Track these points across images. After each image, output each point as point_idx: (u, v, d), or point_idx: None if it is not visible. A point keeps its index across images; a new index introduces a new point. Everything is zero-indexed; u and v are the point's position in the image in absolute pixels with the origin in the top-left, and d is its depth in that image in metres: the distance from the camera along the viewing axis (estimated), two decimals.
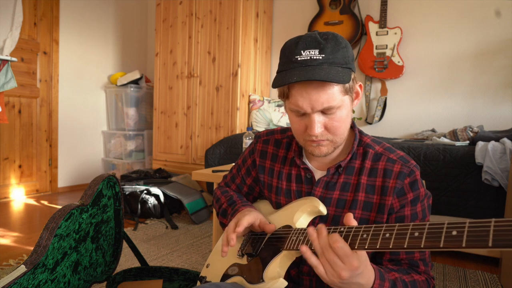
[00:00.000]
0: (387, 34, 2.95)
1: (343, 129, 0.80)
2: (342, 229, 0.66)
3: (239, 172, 1.05)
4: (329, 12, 3.13)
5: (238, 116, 3.12)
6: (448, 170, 2.01)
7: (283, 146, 0.96)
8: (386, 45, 2.95)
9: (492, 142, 2.00)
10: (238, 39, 3.10)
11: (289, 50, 0.77)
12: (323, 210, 0.81)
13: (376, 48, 2.98)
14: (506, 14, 2.63)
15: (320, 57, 0.74)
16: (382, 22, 2.96)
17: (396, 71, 2.94)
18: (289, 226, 0.83)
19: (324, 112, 0.76)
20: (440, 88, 2.89)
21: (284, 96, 0.80)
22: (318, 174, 0.88)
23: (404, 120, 3.03)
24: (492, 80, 2.70)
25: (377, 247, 0.58)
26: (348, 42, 0.80)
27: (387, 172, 0.82)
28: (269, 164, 0.97)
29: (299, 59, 0.75)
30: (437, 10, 2.87)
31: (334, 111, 0.76)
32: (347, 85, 0.76)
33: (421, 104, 2.96)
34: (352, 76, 0.78)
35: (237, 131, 3.12)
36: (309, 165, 0.90)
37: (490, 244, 0.46)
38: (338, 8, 3.10)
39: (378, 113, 3.06)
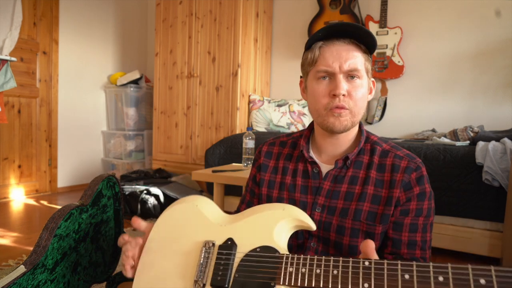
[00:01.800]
0: (387, 34, 2.95)
1: (362, 104, 0.83)
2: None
3: (247, 188, 1.05)
4: (329, 12, 3.13)
5: (238, 116, 3.12)
6: (448, 170, 2.01)
7: (288, 145, 0.98)
8: (386, 45, 2.95)
9: (493, 142, 1.99)
10: (238, 39, 3.09)
11: (322, 28, 0.82)
12: (313, 226, 0.70)
13: (376, 48, 2.98)
14: (506, 14, 2.63)
15: (351, 23, 0.81)
16: (382, 22, 2.96)
17: (396, 71, 2.93)
18: (270, 248, 0.67)
19: (349, 75, 0.81)
20: (440, 88, 2.89)
21: (312, 61, 0.84)
22: (325, 168, 0.89)
23: (404, 120, 3.02)
24: (492, 80, 2.70)
25: None
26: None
27: (395, 167, 0.84)
28: (274, 163, 0.97)
29: (330, 23, 0.82)
30: (437, 10, 2.87)
31: (357, 77, 0.81)
32: (368, 65, 0.83)
33: (421, 104, 2.96)
34: (370, 66, 0.85)
35: (237, 131, 3.12)
36: (316, 159, 0.91)
37: None
38: (338, 8, 3.09)
39: (378, 113, 3.05)
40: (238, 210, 1.06)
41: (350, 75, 0.81)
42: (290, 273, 0.63)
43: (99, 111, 3.96)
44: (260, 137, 2.52)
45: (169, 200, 2.78)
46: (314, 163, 0.89)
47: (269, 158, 0.98)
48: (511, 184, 1.72)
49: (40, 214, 2.83)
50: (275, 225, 0.69)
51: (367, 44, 0.83)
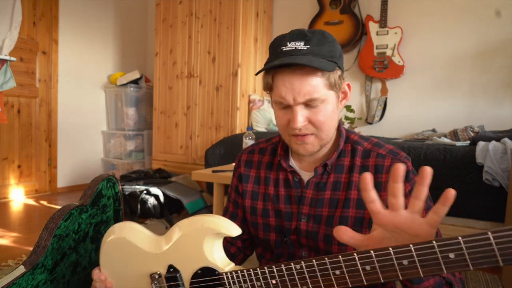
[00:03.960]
0: (388, 33, 2.95)
1: (329, 125, 0.78)
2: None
3: (230, 199, 0.99)
4: (329, 12, 3.13)
5: (238, 116, 3.12)
6: (448, 170, 2.00)
7: (268, 152, 0.93)
8: (387, 45, 2.94)
9: (493, 142, 1.99)
10: (238, 39, 3.09)
11: (276, 43, 0.77)
12: (235, 231, 0.69)
13: (376, 48, 2.98)
14: (506, 14, 2.63)
15: (305, 48, 0.73)
16: (383, 22, 2.96)
17: (397, 71, 2.93)
18: (209, 269, 0.70)
19: (307, 104, 0.74)
20: (441, 88, 2.88)
21: (268, 87, 0.78)
22: (306, 176, 0.86)
23: (404, 120, 3.02)
24: (492, 80, 2.70)
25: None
26: (335, 39, 0.78)
27: (378, 167, 0.80)
28: (255, 172, 0.93)
29: (284, 49, 0.74)
30: (437, 10, 2.87)
31: (317, 104, 0.74)
32: (332, 79, 0.75)
33: (422, 104, 2.96)
34: (339, 73, 0.77)
35: (237, 131, 3.12)
36: (296, 167, 0.87)
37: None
38: (338, 8, 3.09)
39: (379, 113, 3.05)
40: None
41: (308, 105, 0.74)
42: None
43: (99, 111, 3.96)
44: (260, 137, 2.51)
45: (169, 200, 2.78)
46: (294, 172, 0.86)
47: (250, 168, 0.94)
48: None
49: (39, 214, 2.83)
50: (202, 243, 0.69)
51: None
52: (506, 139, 2.00)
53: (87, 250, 1.03)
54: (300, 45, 0.73)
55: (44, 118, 3.45)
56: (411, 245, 0.50)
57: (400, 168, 0.55)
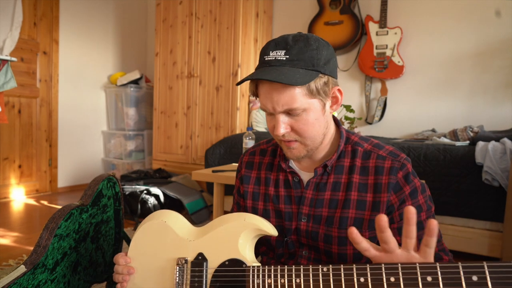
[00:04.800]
0: (387, 34, 2.95)
1: (312, 133, 0.78)
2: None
3: (234, 200, 1.01)
4: (329, 12, 3.13)
5: (238, 116, 3.12)
6: (448, 170, 2.01)
7: (268, 153, 0.95)
8: (386, 45, 2.95)
9: (493, 142, 1.99)
10: (238, 39, 3.09)
11: (262, 51, 0.78)
12: (274, 232, 0.73)
13: (376, 48, 2.98)
14: (506, 14, 2.63)
15: (284, 58, 0.74)
16: (382, 22, 2.96)
17: (396, 71, 2.94)
18: (237, 261, 0.72)
19: (288, 113, 0.76)
20: (440, 88, 2.89)
21: (254, 94, 0.81)
22: (306, 176, 0.87)
23: (404, 120, 3.02)
24: (492, 80, 2.70)
25: None
26: (326, 44, 0.77)
27: (379, 169, 0.81)
28: (256, 174, 0.94)
29: (266, 59, 0.76)
30: (437, 10, 2.87)
31: (298, 113, 0.75)
32: (313, 88, 0.74)
33: (421, 104, 2.96)
34: (324, 79, 0.75)
35: (237, 131, 3.12)
36: (296, 168, 0.88)
37: None
38: (338, 8, 3.09)
39: (378, 113, 3.05)
40: None
41: (289, 113, 0.76)
42: (258, 285, 0.68)
43: (99, 111, 3.96)
44: (260, 137, 2.52)
45: (169, 200, 2.78)
46: (293, 172, 0.87)
47: (251, 169, 0.95)
48: (511, 184, 1.72)
49: (40, 214, 2.83)
50: (238, 236, 0.72)
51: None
52: (505, 139, 2.00)
53: (87, 249, 1.04)
54: (281, 54, 0.74)
55: (44, 118, 3.45)
56: (437, 264, 0.53)
57: (413, 212, 0.58)
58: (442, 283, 0.52)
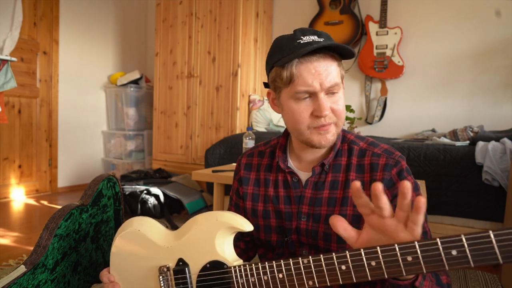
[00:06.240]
0: (387, 34, 2.95)
1: (344, 115, 0.81)
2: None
3: (231, 202, 1.01)
4: (329, 12, 3.13)
5: (238, 116, 3.12)
6: (448, 170, 2.01)
7: (266, 155, 0.95)
8: (386, 45, 2.95)
9: (492, 142, 1.99)
10: (238, 39, 3.09)
11: (287, 40, 0.78)
12: (248, 227, 0.71)
13: (376, 48, 2.98)
14: (506, 14, 2.63)
15: (321, 40, 0.76)
16: (382, 22, 2.96)
17: (396, 71, 2.94)
18: (218, 263, 0.71)
19: (328, 93, 0.77)
20: (440, 88, 2.89)
21: (287, 80, 0.77)
22: (304, 176, 0.87)
23: (404, 120, 3.02)
24: (492, 80, 2.70)
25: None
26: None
27: (373, 166, 0.82)
28: (254, 175, 0.94)
29: (302, 42, 0.76)
30: (437, 10, 2.87)
31: (337, 91, 0.78)
32: (342, 72, 0.80)
33: (421, 104, 2.96)
34: (343, 70, 0.82)
35: (237, 131, 3.12)
36: (294, 168, 0.89)
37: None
38: (338, 8, 3.09)
39: (378, 113, 3.06)
40: None
41: (331, 91, 0.77)
42: (242, 284, 0.67)
43: (99, 111, 3.96)
44: (260, 137, 2.52)
45: (169, 200, 2.78)
46: (292, 172, 0.87)
47: (249, 170, 0.96)
48: (511, 184, 1.72)
49: (40, 214, 2.83)
50: (214, 237, 0.71)
51: (341, 51, 0.78)
52: (505, 139, 2.01)
53: (87, 249, 1.04)
54: (315, 38, 0.76)
55: (44, 118, 3.45)
56: (415, 242, 0.52)
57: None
58: (423, 261, 0.52)
